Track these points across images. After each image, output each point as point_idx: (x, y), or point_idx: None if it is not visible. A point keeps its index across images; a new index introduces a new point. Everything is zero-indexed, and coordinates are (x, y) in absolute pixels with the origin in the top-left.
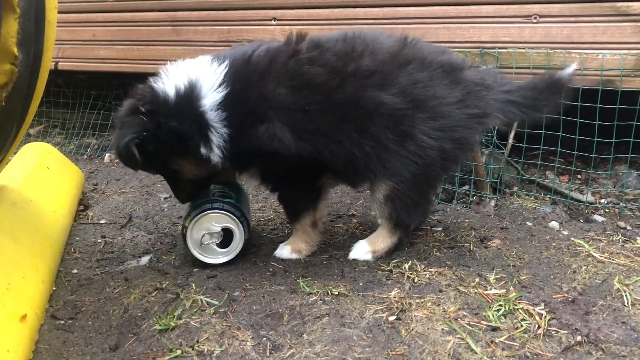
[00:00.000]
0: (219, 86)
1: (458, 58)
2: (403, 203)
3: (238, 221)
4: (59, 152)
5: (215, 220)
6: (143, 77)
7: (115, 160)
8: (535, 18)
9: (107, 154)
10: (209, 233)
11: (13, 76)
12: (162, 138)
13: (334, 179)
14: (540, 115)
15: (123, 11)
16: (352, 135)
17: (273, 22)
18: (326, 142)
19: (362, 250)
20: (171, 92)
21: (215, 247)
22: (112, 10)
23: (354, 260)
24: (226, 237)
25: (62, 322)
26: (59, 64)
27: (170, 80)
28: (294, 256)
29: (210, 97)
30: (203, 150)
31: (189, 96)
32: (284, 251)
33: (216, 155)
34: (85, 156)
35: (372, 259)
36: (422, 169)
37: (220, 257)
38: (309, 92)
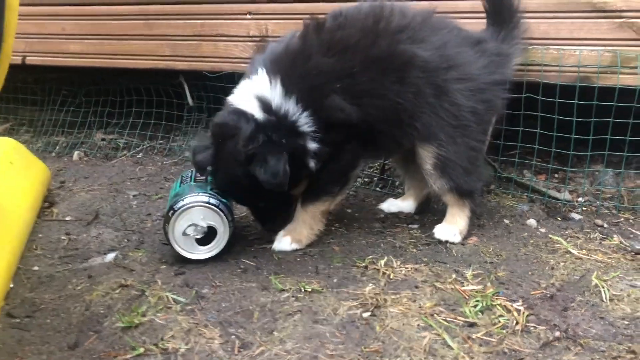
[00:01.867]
0: (271, 81)
1: (479, 32)
2: (454, 169)
3: (227, 226)
4: (25, 148)
5: (206, 216)
6: (115, 72)
7: (85, 159)
8: None
9: (76, 152)
10: (195, 225)
11: None
12: (294, 158)
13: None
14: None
15: (93, 4)
16: (393, 87)
17: (248, 16)
18: (372, 100)
19: (450, 232)
20: (263, 114)
21: (194, 241)
22: (82, 4)
23: (443, 241)
24: (207, 236)
25: (18, 320)
26: (27, 58)
27: (248, 106)
28: (294, 246)
29: (277, 95)
30: (312, 163)
31: (269, 110)
32: (283, 243)
33: (313, 156)
34: (53, 154)
35: (460, 240)
36: (460, 130)
37: (195, 253)
38: (350, 54)
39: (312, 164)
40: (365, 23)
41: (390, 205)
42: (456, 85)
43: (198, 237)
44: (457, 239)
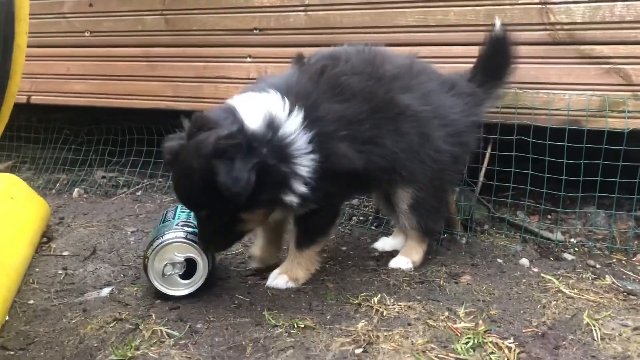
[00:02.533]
0: (291, 110)
1: (453, 75)
2: (426, 210)
3: (202, 251)
4: (26, 184)
5: (178, 250)
6: (117, 112)
7: (84, 196)
8: None
9: (76, 189)
10: (172, 263)
11: None
12: (264, 182)
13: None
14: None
15: (98, 46)
16: (391, 136)
17: (248, 59)
18: (375, 149)
19: (403, 261)
20: (261, 128)
21: (178, 278)
22: (86, 45)
23: (394, 269)
24: (189, 268)
25: (12, 353)
26: (32, 97)
27: (249, 114)
28: (290, 285)
29: (291, 123)
30: (287, 198)
31: (275, 129)
32: (279, 281)
33: (298, 197)
34: (53, 191)
35: (411, 269)
36: (438, 174)
37: (182, 288)
38: (356, 101)
39: (291, 202)
40: (365, 69)
41: (385, 244)
42: (439, 132)
43: (178, 273)
44: (409, 266)
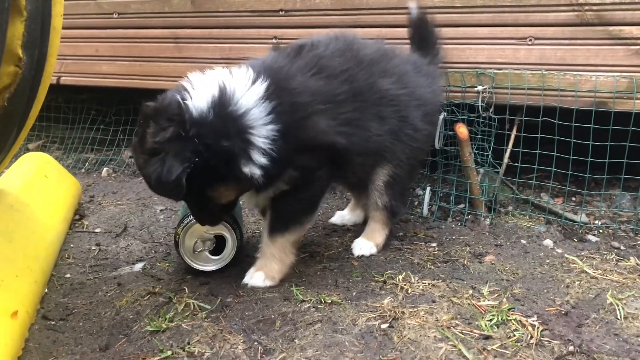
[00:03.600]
0: (254, 82)
1: (416, 56)
2: (399, 188)
3: (230, 228)
4: (58, 163)
5: (208, 228)
6: (144, 92)
7: (113, 175)
8: (530, 40)
9: (105, 168)
10: (202, 240)
11: (17, 78)
12: (211, 163)
13: (339, 178)
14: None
15: (126, 27)
16: (373, 119)
17: (274, 41)
18: (357, 131)
19: (367, 246)
20: (205, 106)
21: (208, 254)
22: (115, 27)
23: (361, 256)
24: (219, 245)
25: (52, 323)
26: (62, 78)
27: (198, 92)
28: (267, 283)
29: (249, 95)
30: (246, 169)
31: (224, 104)
32: (256, 279)
33: (258, 168)
34: (83, 170)
35: (375, 252)
36: (414, 152)
37: (212, 264)
38: (337, 81)
39: (252, 173)
40: (345, 54)
41: (342, 218)
42: (416, 112)
43: (208, 249)
44: (373, 251)
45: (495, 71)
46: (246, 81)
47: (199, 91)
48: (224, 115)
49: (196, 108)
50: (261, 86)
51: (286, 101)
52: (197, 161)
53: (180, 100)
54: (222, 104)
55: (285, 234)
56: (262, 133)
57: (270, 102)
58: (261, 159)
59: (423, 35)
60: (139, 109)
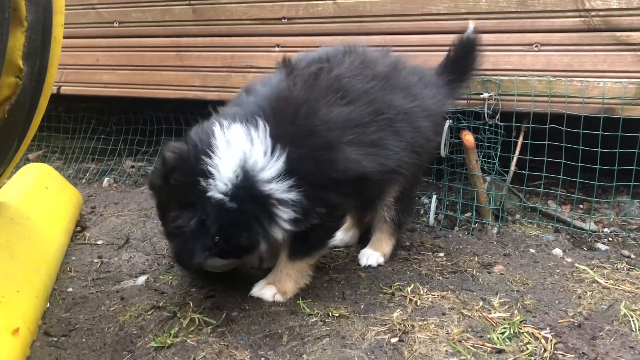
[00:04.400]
0: (274, 149)
1: (420, 66)
2: (407, 201)
3: None
4: (58, 174)
5: None
6: (146, 101)
7: (114, 185)
8: (536, 46)
9: (106, 179)
10: None
11: (17, 89)
12: (232, 248)
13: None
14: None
15: (127, 36)
16: (391, 137)
17: (276, 49)
18: (382, 152)
19: (374, 257)
20: (230, 194)
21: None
22: (115, 36)
23: (368, 267)
24: None
25: (54, 339)
26: (62, 88)
27: (224, 176)
28: (278, 298)
29: (270, 168)
30: (263, 246)
31: (248, 185)
32: (267, 292)
33: (283, 231)
34: (84, 180)
35: (383, 262)
36: (422, 163)
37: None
38: (360, 103)
39: (282, 236)
40: (362, 72)
41: (334, 239)
42: (426, 122)
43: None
44: (380, 260)
45: (501, 78)
46: (266, 149)
47: (223, 166)
48: (249, 197)
49: (219, 191)
50: (282, 155)
51: (310, 145)
52: (219, 249)
53: (204, 174)
54: (246, 186)
55: (306, 258)
56: (287, 201)
57: (291, 164)
58: (286, 226)
59: (464, 58)
60: (162, 154)
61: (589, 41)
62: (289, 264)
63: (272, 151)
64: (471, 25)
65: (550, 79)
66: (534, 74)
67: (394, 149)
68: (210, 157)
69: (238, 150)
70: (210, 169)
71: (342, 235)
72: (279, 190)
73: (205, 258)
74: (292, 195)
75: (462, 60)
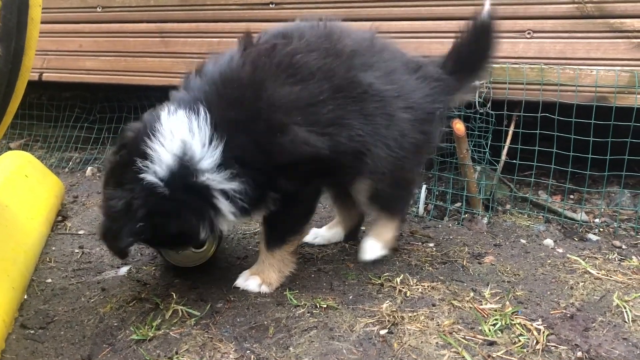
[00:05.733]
0: (214, 139)
1: (419, 57)
2: (387, 199)
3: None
4: (39, 162)
5: None
6: (129, 89)
7: (98, 175)
8: (528, 33)
9: (89, 168)
10: None
11: None
12: (162, 237)
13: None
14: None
15: (110, 22)
16: (357, 117)
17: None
18: (341, 130)
19: (375, 249)
20: (165, 180)
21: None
22: (99, 21)
23: (368, 261)
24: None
25: (32, 332)
26: (44, 74)
27: (162, 161)
28: (264, 289)
29: (209, 159)
30: (203, 234)
31: (185, 175)
32: (251, 283)
33: (228, 222)
34: (66, 169)
35: (386, 252)
36: (400, 162)
37: (193, 261)
38: (315, 80)
39: (227, 226)
40: (323, 45)
41: (316, 237)
42: (403, 114)
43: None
44: (382, 252)
45: (493, 65)
46: (204, 138)
47: (162, 151)
48: (185, 187)
49: (154, 176)
50: (220, 144)
51: (253, 130)
52: (147, 235)
53: (143, 156)
54: (184, 175)
55: (283, 246)
56: (228, 191)
57: (232, 152)
58: (230, 217)
59: (474, 48)
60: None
61: (582, 28)
62: (269, 253)
63: (211, 141)
64: (487, 5)
65: (543, 66)
66: (526, 62)
67: (356, 130)
68: (151, 140)
69: (178, 139)
70: (149, 151)
71: (324, 232)
72: (218, 180)
73: (129, 244)
74: (234, 185)
75: (471, 51)
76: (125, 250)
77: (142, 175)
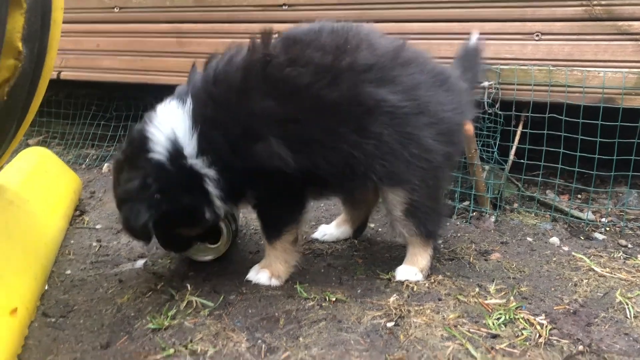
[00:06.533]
0: (192, 129)
1: (446, 67)
2: (424, 213)
3: (224, 220)
4: (58, 158)
5: None
6: (146, 87)
7: None
8: (537, 35)
9: (106, 164)
10: None
11: (16, 71)
12: (174, 217)
13: (320, 190)
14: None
15: (127, 22)
16: (350, 137)
17: (277, 36)
18: (321, 151)
19: (411, 272)
20: (166, 159)
21: (207, 244)
22: (116, 21)
23: (403, 280)
24: (214, 234)
25: (52, 320)
26: (62, 73)
27: (161, 142)
28: (274, 282)
29: (190, 145)
30: (208, 215)
31: (179, 157)
32: (261, 276)
33: (220, 208)
34: (83, 166)
35: (422, 279)
36: (432, 173)
37: (209, 254)
38: (297, 98)
39: (220, 211)
40: (323, 60)
41: (325, 233)
42: (427, 131)
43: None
44: (418, 277)
45: (502, 67)
46: (185, 126)
47: (160, 134)
48: (182, 167)
49: (160, 154)
50: (194, 135)
51: (222, 141)
52: (163, 208)
53: (149, 141)
54: (178, 157)
55: (281, 237)
56: (210, 176)
57: (208, 151)
58: (217, 201)
59: (466, 67)
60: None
61: (591, 30)
62: (271, 247)
63: (191, 130)
64: (475, 33)
65: (551, 68)
66: (535, 63)
67: (346, 150)
68: (152, 126)
69: (169, 126)
70: (151, 135)
71: (333, 230)
72: (200, 165)
73: (150, 217)
74: (212, 173)
75: (467, 68)
76: (147, 227)
77: (150, 155)
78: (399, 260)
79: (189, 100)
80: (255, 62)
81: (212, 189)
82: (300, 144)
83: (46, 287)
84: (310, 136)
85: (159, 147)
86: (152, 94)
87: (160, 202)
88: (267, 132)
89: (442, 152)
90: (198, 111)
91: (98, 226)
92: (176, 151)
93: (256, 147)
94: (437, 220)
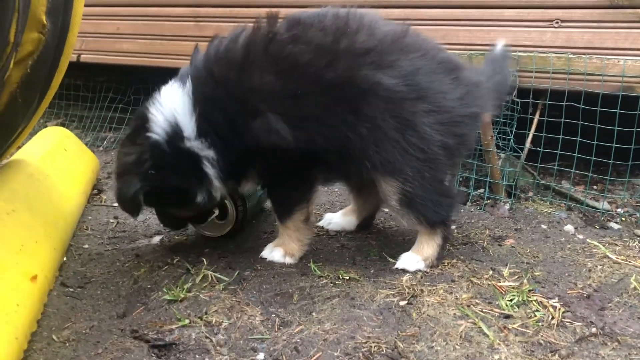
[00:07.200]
0: (192, 110)
1: (457, 57)
2: (420, 204)
3: (230, 199)
4: (77, 138)
5: None
6: (164, 71)
7: None
8: (556, 22)
9: None
10: None
11: (40, 45)
12: (165, 195)
13: (326, 173)
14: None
15: (147, 5)
16: (346, 118)
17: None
18: (319, 128)
19: (412, 260)
20: (163, 140)
21: (215, 219)
22: (136, 5)
23: (402, 269)
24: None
25: (71, 290)
26: (82, 56)
27: (159, 124)
28: (288, 260)
29: (190, 127)
30: (199, 198)
31: (177, 138)
32: (275, 254)
33: (217, 189)
34: (101, 148)
35: (424, 268)
36: (428, 164)
37: (218, 231)
38: (297, 74)
39: (216, 193)
40: (323, 40)
41: (330, 222)
42: (425, 118)
43: (214, 216)
44: (419, 266)
45: (520, 54)
46: (185, 108)
47: (160, 115)
48: (179, 149)
49: (158, 134)
50: (194, 116)
51: (221, 118)
52: (155, 184)
53: (149, 120)
54: (177, 138)
55: (292, 216)
56: (209, 158)
57: (207, 132)
58: (215, 182)
59: (495, 71)
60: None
61: (611, 18)
62: (283, 226)
63: (191, 111)
64: (501, 41)
65: (570, 56)
66: (554, 51)
67: (340, 130)
68: (154, 107)
69: (170, 107)
70: (152, 116)
71: (338, 219)
72: (200, 147)
73: (140, 189)
74: (212, 154)
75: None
76: (137, 198)
77: (148, 134)
78: (412, 243)
79: (188, 82)
80: (259, 39)
81: (210, 170)
82: (298, 119)
83: (64, 259)
84: (308, 112)
85: (158, 128)
86: (169, 79)
87: (154, 179)
88: (265, 108)
89: (440, 143)
90: (198, 91)
91: (115, 204)
92: (175, 133)
93: (254, 123)
94: (439, 210)
